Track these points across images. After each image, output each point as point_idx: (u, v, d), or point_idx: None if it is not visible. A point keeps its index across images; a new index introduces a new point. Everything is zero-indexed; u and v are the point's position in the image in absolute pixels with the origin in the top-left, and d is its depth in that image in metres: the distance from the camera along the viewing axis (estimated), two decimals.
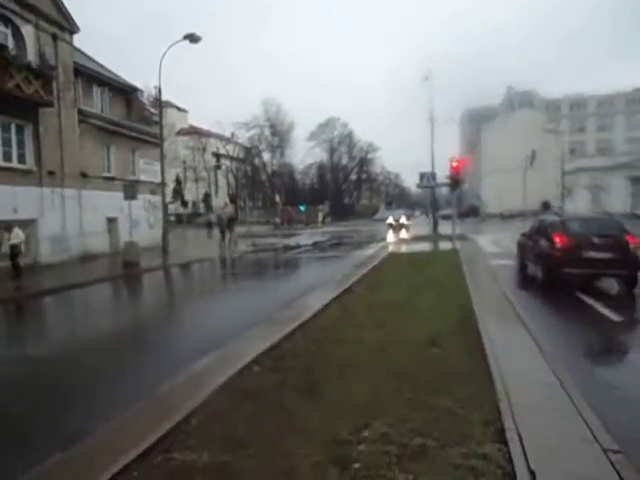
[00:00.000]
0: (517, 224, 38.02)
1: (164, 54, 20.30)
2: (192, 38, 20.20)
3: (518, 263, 12.92)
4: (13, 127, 15.68)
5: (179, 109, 75.57)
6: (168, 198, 66.78)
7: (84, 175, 18.76)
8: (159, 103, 21.33)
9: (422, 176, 17.31)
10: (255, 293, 11.76)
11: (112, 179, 20.72)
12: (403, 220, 38.71)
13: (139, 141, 23.16)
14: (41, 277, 14.41)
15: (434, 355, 5.14)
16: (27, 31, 15.88)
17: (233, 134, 71.26)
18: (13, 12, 15.30)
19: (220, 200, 72.01)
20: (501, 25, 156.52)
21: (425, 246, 20.33)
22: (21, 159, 16.03)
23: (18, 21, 15.59)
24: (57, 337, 8.21)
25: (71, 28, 17.89)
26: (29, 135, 16.21)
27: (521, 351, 5.43)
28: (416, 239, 25.25)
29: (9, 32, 15.53)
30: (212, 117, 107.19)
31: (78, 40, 19.06)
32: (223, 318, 8.63)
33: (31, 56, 16.00)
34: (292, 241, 29.52)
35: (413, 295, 8.55)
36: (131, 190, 17.24)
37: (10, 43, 15.55)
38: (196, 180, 66.43)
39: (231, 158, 69.87)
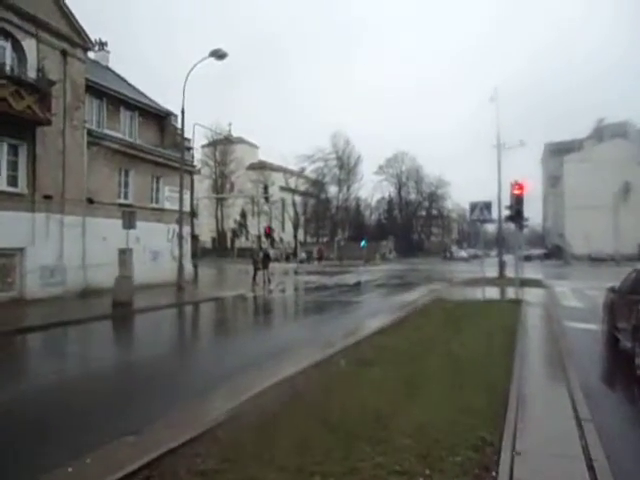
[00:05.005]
0: (608, 270, 32.04)
1: (189, 73, 18.64)
2: (218, 55, 18.46)
3: (605, 333, 8.78)
4: (5, 147, 14.29)
5: (250, 144, 76.73)
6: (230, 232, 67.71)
7: (91, 201, 17.09)
8: (182, 128, 19.54)
9: (473, 207, 13.34)
10: (206, 356, 8.67)
11: (129, 206, 18.93)
12: None
13: (166, 167, 21.49)
14: None
15: None
16: (29, 45, 14.68)
17: (303, 169, 70.68)
18: (12, 24, 14.15)
19: (287, 234, 71.01)
20: (589, 58, 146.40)
21: (483, 293, 16.15)
22: (12, 182, 14.53)
23: (19, 34, 14.42)
24: None
25: (84, 44, 16.67)
26: (24, 156, 14.76)
27: None
28: (476, 283, 20.99)
29: (8, 45, 14.38)
30: (285, 152, 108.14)
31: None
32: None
33: (33, 72, 14.73)
34: (333, 280, 26.26)
35: (408, 393, 5.05)
36: (130, 218, 15.15)
37: (9, 58, 14.38)
38: (258, 214, 65.62)
39: (293, 192, 68.78)
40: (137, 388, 6.47)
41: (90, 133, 17.16)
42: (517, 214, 13.67)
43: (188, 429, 4.00)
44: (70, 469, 3.49)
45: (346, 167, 73.44)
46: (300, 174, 71.90)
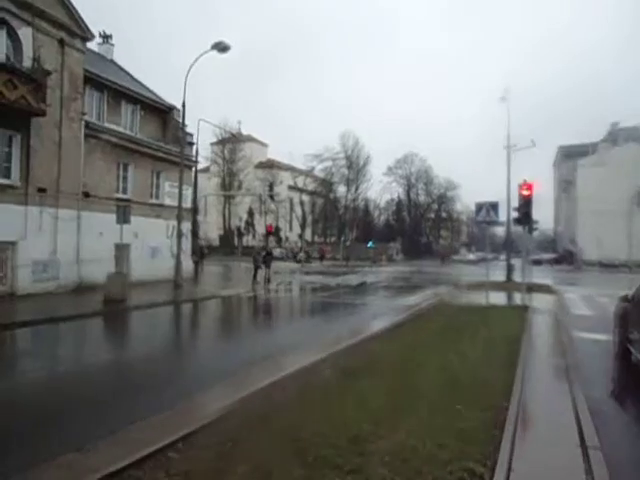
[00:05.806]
0: (620, 277, 31.14)
1: (190, 67, 18.22)
2: (220, 47, 18.01)
3: (616, 344, 8.14)
4: None
5: (259, 142, 76.39)
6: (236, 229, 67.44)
7: (87, 195, 16.72)
8: (182, 122, 19.11)
9: (479, 208, 12.68)
10: (187, 360, 8.20)
11: (127, 201, 18.55)
12: None
13: (166, 162, 21.11)
14: None
15: None
16: (24, 34, 14.33)
17: (312, 168, 70.18)
18: (7, 11, 13.80)
19: (294, 234, 70.56)
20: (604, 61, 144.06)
21: (487, 298, 15.45)
22: (5, 173, 14.20)
23: (14, 22, 14.08)
24: None
25: (83, 34, 16.28)
26: (18, 147, 14.42)
27: None
28: (482, 287, 20.33)
29: (3, 33, 14.03)
30: (294, 151, 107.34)
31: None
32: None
33: (29, 61, 14.38)
34: (336, 280, 25.72)
35: (395, 411, 4.51)
36: (124, 212, 14.74)
37: (4, 46, 14.04)
38: (265, 213, 65.18)
39: (301, 191, 68.28)
40: (107, 392, 5.99)
41: (88, 125, 16.79)
42: (525, 216, 13.01)
43: (135, 449, 3.50)
44: None
45: (355, 167, 72.80)
46: (308, 173, 71.42)
